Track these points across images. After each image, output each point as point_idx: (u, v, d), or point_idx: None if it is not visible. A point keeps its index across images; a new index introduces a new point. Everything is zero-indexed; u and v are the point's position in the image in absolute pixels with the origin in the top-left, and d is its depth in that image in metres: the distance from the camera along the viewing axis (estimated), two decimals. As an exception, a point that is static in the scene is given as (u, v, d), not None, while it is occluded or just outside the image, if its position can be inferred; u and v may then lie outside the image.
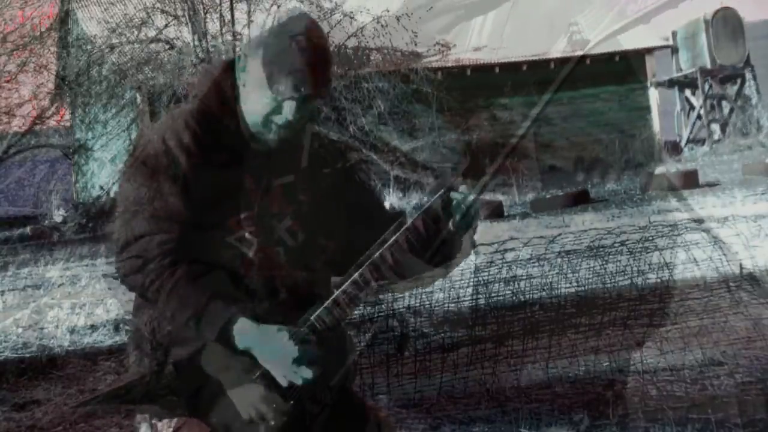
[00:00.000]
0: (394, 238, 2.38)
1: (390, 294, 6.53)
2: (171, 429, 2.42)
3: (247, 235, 2.41)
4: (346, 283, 2.38)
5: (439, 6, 24.40)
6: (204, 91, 2.48)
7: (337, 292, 2.38)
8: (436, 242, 2.43)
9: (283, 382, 2.33)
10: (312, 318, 2.37)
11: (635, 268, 6.60)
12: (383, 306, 6.22)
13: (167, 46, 22.34)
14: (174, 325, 2.38)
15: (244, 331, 2.31)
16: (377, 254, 2.38)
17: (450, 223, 2.43)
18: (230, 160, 2.43)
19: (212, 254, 2.39)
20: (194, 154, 2.39)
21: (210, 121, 2.44)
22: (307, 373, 2.32)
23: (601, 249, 6.69)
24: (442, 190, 2.41)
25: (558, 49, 24.57)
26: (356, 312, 6.57)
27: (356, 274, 2.38)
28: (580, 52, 24.26)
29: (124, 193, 2.44)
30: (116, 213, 2.43)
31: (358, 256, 2.40)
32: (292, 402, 2.36)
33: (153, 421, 2.45)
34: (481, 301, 6.43)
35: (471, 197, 2.42)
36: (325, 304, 2.37)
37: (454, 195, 2.41)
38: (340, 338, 2.51)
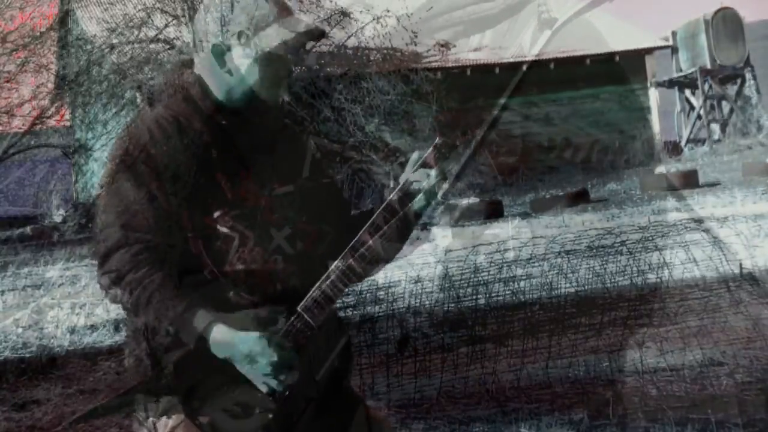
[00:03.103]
0: (385, 228, 2.40)
1: (390, 295, 6.53)
2: (169, 429, 2.42)
3: (224, 230, 2.42)
4: (334, 276, 2.39)
5: (439, 21, 24.38)
6: (171, 94, 2.50)
7: (324, 285, 2.38)
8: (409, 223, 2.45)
9: (263, 389, 2.35)
10: (300, 309, 2.37)
11: (635, 268, 6.61)
12: (383, 306, 6.22)
13: (167, 46, 22.33)
14: (156, 333, 2.39)
15: (222, 340, 2.31)
16: (367, 245, 2.39)
17: (412, 204, 2.45)
18: (200, 158, 2.43)
19: (193, 255, 2.40)
20: (160, 160, 2.40)
21: (177, 122, 2.45)
22: (287, 378, 2.33)
23: (601, 249, 6.70)
24: (414, 168, 2.43)
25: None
26: (356, 312, 6.57)
27: (345, 267, 2.39)
28: (581, 52, 24.25)
29: (101, 198, 2.46)
30: (96, 217, 2.45)
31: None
32: (281, 399, 2.37)
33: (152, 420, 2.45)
34: (481, 301, 6.44)
35: (432, 180, 2.42)
36: (313, 296, 2.38)
37: (415, 177, 2.43)
38: (327, 333, 2.51)
